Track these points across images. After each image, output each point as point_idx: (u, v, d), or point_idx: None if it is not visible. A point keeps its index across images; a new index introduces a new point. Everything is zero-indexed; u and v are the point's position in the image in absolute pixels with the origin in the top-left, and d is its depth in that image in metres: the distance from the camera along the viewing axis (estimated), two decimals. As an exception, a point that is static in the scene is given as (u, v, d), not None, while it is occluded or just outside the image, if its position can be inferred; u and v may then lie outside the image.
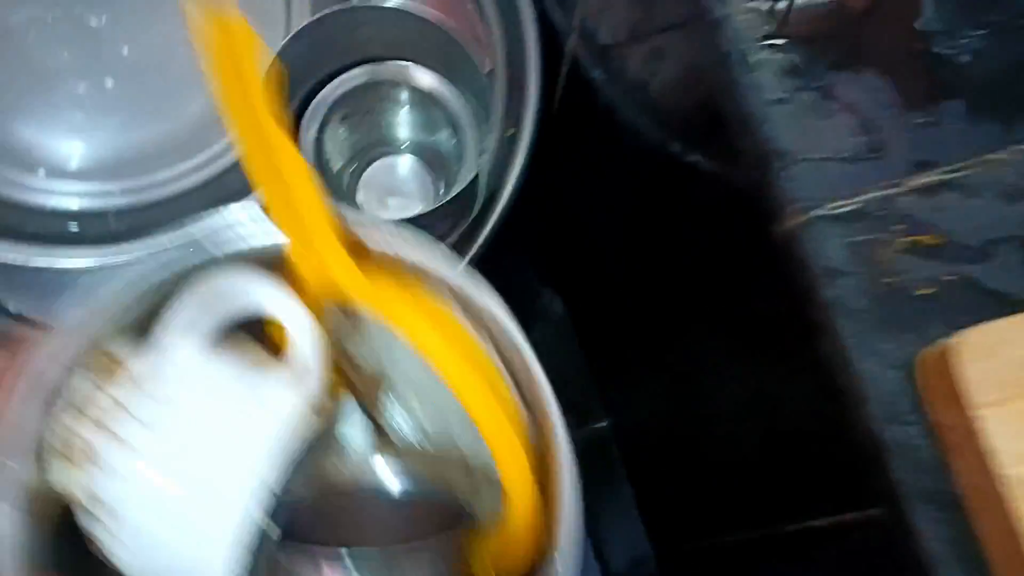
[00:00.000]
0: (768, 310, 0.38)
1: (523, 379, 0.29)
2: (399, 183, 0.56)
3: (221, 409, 0.28)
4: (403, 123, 0.54)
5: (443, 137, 0.53)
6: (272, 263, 0.29)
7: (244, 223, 0.29)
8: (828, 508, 0.38)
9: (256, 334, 0.31)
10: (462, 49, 0.45)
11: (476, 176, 0.50)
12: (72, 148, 0.56)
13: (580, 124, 0.63)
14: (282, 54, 0.45)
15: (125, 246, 0.51)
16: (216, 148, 0.55)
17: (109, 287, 0.28)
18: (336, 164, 0.53)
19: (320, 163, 0.50)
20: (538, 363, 0.30)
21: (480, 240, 0.54)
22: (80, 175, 0.55)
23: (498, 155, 0.53)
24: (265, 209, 0.28)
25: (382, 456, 0.32)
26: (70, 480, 0.28)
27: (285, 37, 0.54)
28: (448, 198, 0.46)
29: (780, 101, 0.34)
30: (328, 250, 0.28)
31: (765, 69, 0.34)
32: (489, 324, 0.30)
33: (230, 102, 0.28)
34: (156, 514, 0.27)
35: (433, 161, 0.56)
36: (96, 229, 0.54)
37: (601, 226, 0.68)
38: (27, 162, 0.54)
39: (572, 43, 0.57)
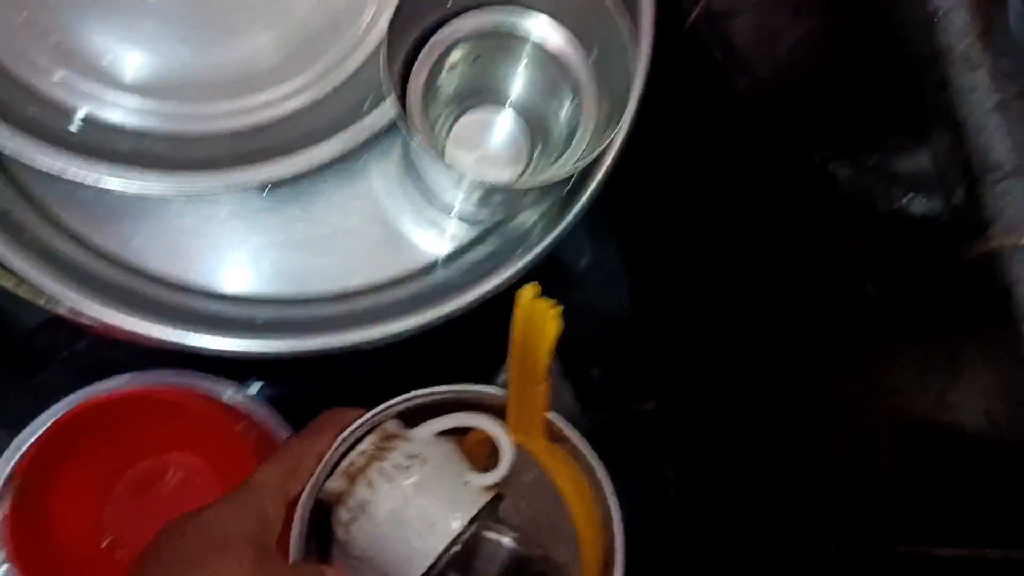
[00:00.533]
0: (928, 330, 0.36)
1: (604, 507, 0.49)
2: (492, 140, 0.53)
3: (445, 473, 0.48)
4: (515, 78, 0.50)
5: (556, 101, 0.49)
6: (492, 406, 0.49)
7: (488, 390, 0.50)
8: (958, 537, 0.36)
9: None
10: (608, 9, 0.42)
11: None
12: (132, 59, 0.51)
13: (681, 105, 0.60)
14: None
15: (157, 175, 0.47)
16: (266, 96, 0.52)
17: (397, 399, 0.49)
18: (436, 106, 0.49)
19: (425, 104, 0.47)
20: (616, 500, 0.49)
21: (565, 222, 0.51)
22: (132, 88, 0.51)
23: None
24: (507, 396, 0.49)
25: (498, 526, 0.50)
26: (345, 490, 0.47)
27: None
28: (566, 174, 0.43)
29: (997, 108, 0.31)
30: (537, 426, 0.49)
31: (982, 71, 0.32)
32: (598, 472, 0.50)
33: (518, 350, 0.46)
34: (394, 520, 0.46)
35: (534, 124, 0.52)
36: (134, 148, 0.50)
37: (688, 214, 0.65)
38: (84, 65, 0.50)
39: (696, 14, 0.54)
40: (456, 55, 0.47)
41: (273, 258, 0.52)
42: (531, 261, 0.51)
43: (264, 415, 0.62)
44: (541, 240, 0.51)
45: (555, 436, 0.51)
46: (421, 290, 0.52)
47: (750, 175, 0.55)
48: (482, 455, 0.51)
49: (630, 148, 0.52)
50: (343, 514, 0.47)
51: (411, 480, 0.46)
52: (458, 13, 0.46)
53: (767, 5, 0.48)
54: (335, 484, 0.48)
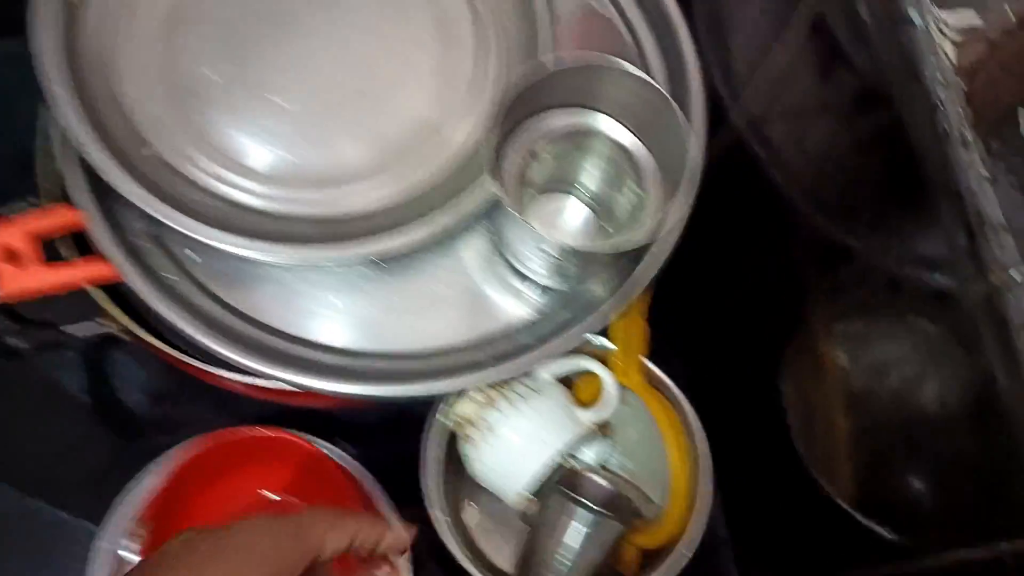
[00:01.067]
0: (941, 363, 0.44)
1: (694, 445, 0.65)
2: (567, 222, 0.62)
3: (557, 405, 0.63)
4: (588, 168, 0.60)
5: (622, 188, 0.58)
6: (601, 355, 0.65)
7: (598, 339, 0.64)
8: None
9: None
10: (674, 114, 0.51)
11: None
12: (256, 151, 0.60)
13: (726, 193, 0.69)
14: (508, 96, 0.52)
15: (268, 246, 0.55)
16: (370, 185, 0.60)
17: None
18: (523, 190, 0.58)
19: (516, 188, 0.56)
20: (707, 443, 0.65)
21: (627, 292, 0.60)
22: (252, 174, 0.59)
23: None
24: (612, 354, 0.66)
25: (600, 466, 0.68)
26: (471, 412, 0.62)
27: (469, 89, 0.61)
28: (636, 243, 0.52)
29: (988, 180, 0.40)
30: (635, 366, 0.66)
31: (974, 150, 0.40)
32: (688, 415, 0.66)
33: (620, 322, 0.64)
34: (515, 434, 0.61)
35: (603, 208, 0.62)
36: (261, 225, 0.58)
37: (727, 296, 0.73)
38: (214, 151, 0.59)
39: (735, 117, 0.63)
40: (542, 147, 0.57)
41: (375, 318, 0.60)
42: (596, 325, 0.60)
43: (356, 469, 0.70)
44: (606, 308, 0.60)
45: (653, 382, 0.66)
46: (504, 348, 0.60)
47: (782, 254, 0.64)
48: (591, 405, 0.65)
49: (685, 239, 0.60)
50: (472, 431, 0.62)
51: (529, 406, 0.61)
52: (544, 110, 0.56)
53: (796, 110, 0.57)
54: (465, 408, 0.62)
